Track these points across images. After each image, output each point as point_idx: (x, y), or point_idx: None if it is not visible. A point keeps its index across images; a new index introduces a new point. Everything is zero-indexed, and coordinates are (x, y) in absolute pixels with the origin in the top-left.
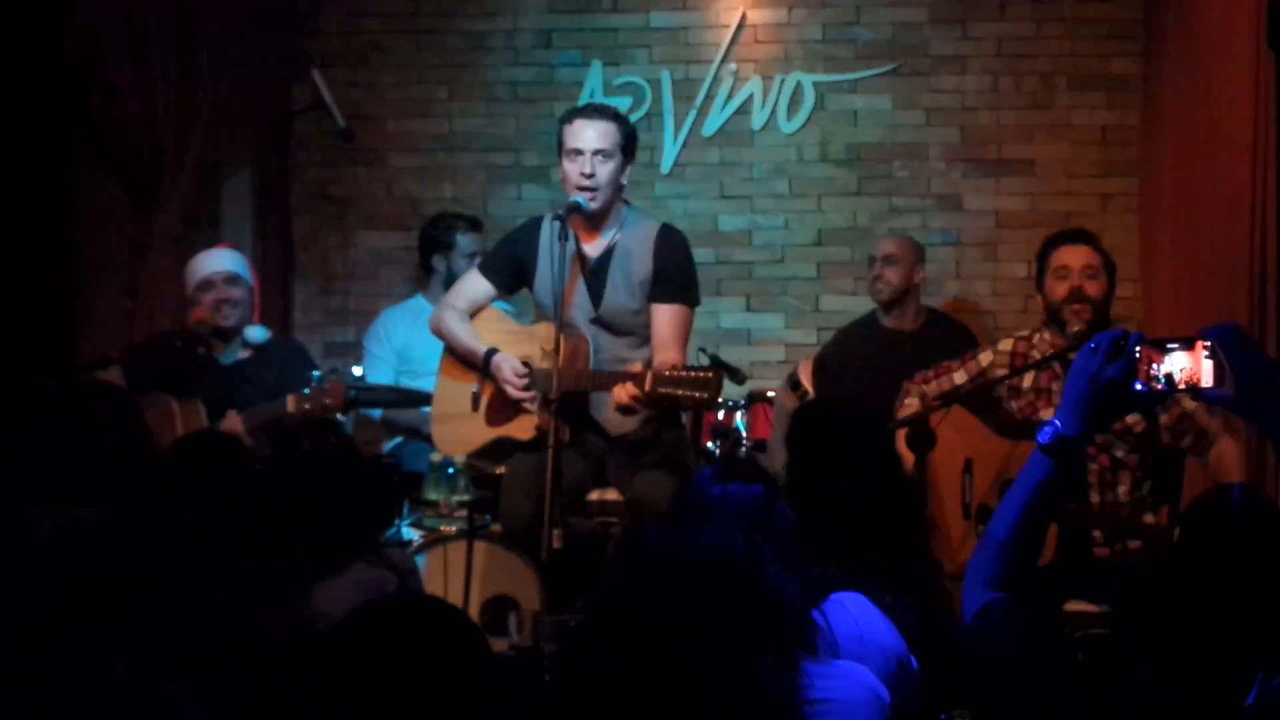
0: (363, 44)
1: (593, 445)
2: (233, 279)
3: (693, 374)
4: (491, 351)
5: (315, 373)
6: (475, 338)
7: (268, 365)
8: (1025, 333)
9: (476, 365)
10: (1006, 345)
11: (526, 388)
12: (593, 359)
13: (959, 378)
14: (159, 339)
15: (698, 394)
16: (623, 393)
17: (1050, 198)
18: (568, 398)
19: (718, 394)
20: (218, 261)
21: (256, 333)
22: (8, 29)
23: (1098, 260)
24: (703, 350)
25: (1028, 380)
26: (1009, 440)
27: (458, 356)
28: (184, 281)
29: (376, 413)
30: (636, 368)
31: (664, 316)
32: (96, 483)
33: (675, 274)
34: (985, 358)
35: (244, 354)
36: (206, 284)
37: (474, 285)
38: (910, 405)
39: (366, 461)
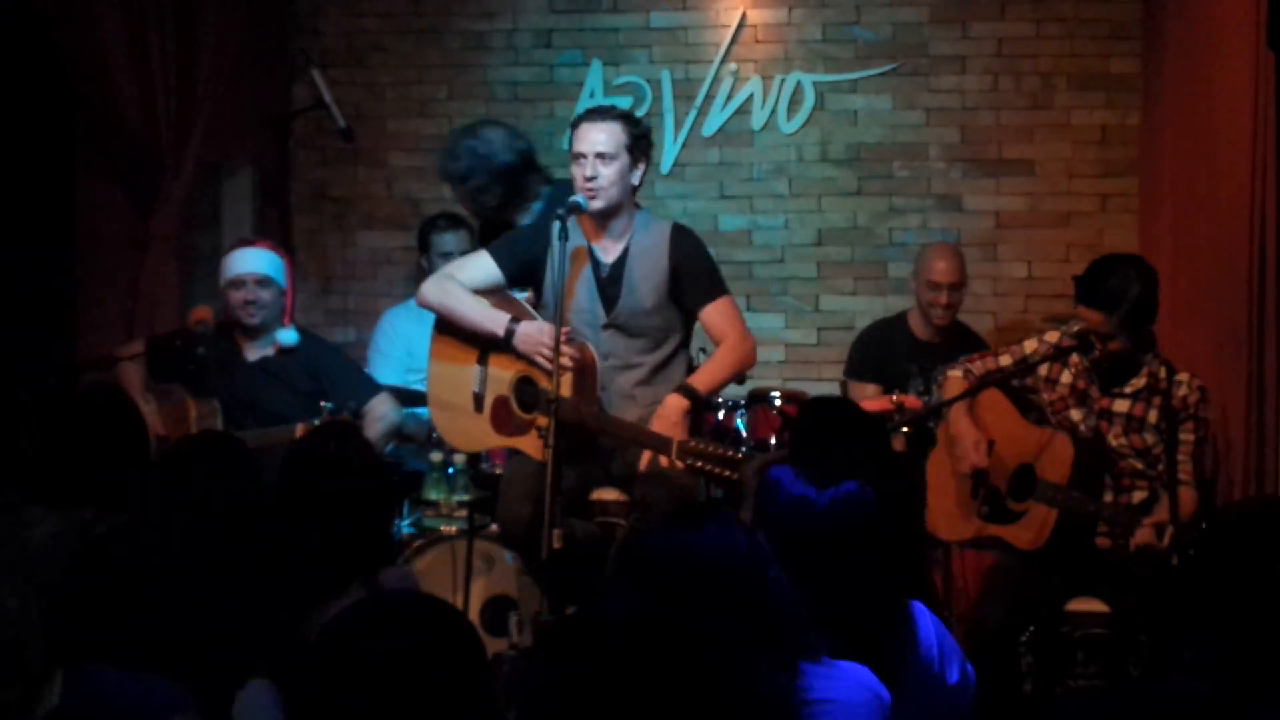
0: (363, 44)
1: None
2: (264, 281)
3: (724, 452)
4: (515, 321)
5: (328, 405)
6: (488, 307)
7: (294, 362)
8: (1065, 327)
9: (495, 338)
10: (1052, 337)
11: (533, 408)
12: (600, 365)
13: (1004, 360)
14: (160, 339)
15: (725, 473)
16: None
17: (1050, 198)
18: (576, 433)
19: (744, 477)
20: (251, 262)
21: (288, 335)
22: (8, 29)
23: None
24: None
25: (1066, 376)
26: (1036, 429)
27: (456, 332)
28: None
29: (422, 410)
30: (669, 425)
31: (713, 316)
32: (96, 483)
33: (702, 274)
34: (1029, 345)
35: (269, 351)
36: (237, 282)
37: (480, 265)
38: (953, 378)
39: (383, 473)
